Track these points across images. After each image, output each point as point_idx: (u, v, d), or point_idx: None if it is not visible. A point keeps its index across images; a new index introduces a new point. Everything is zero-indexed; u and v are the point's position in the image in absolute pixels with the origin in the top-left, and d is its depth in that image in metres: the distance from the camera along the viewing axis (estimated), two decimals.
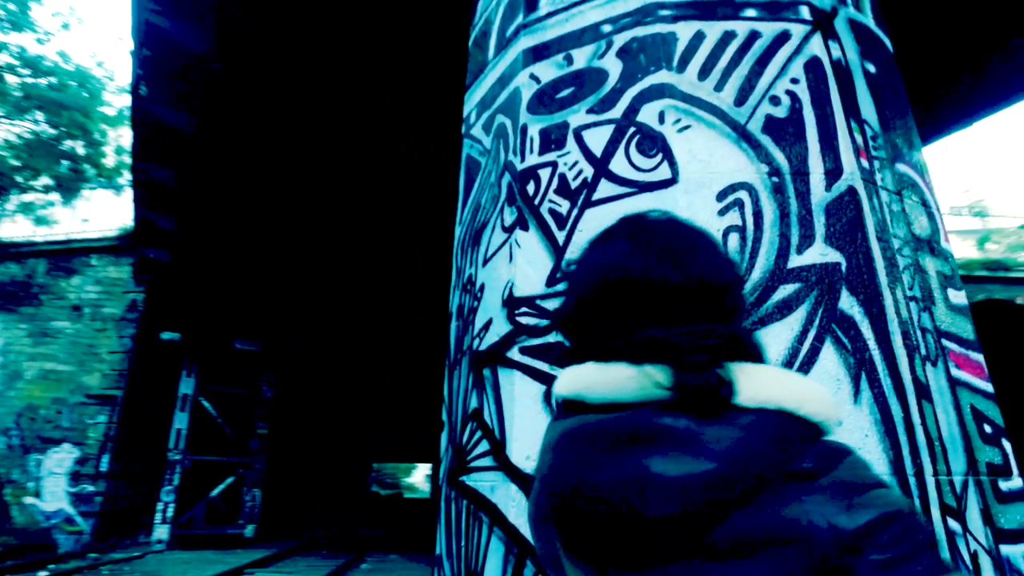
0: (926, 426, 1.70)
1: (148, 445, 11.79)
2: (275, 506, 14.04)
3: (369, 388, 18.91)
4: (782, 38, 2.04)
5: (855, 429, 1.66)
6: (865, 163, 1.97)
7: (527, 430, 1.86)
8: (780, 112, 1.96)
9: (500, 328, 2.06)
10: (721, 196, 1.86)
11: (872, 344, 1.74)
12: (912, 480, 1.65)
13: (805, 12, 2.08)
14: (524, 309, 1.99)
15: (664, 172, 1.90)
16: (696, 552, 0.58)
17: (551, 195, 2.07)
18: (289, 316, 13.38)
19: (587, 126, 2.08)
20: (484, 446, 2.01)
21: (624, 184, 1.95)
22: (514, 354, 1.97)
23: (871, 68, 2.24)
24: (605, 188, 1.97)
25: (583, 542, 0.65)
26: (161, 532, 11.09)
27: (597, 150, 2.03)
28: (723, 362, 0.64)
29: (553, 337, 1.90)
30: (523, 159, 2.18)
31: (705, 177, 1.88)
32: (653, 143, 1.95)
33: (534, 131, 2.19)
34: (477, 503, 1.96)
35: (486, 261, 2.25)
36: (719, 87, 1.99)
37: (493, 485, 1.90)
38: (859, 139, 2.00)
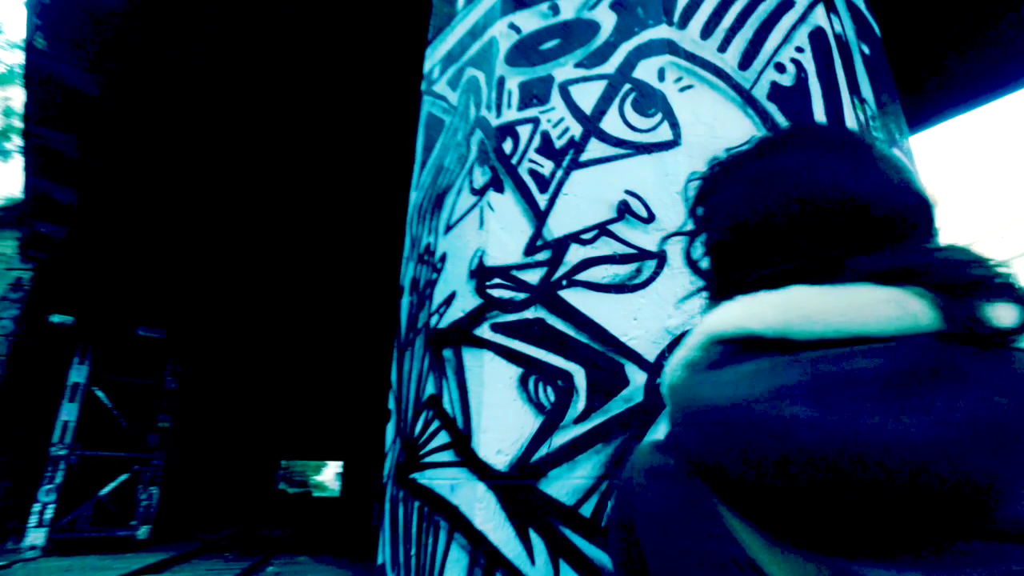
0: None
1: (31, 440, 10.63)
2: (174, 505, 13.04)
3: (280, 382, 18.01)
4: (786, 4, 1.89)
5: None
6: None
7: (499, 420, 1.60)
8: (786, 80, 1.79)
9: (466, 302, 1.79)
10: None
11: None
12: None
13: None
14: (497, 280, 1.73)
15: (664, 133, 1.70)
16: (978, 530, 0.41)
17: (532, 154, 1.82)
18: (199, 303, 12.48)
19: (575, 81, 1.85)
20: (443, 438, 1.73)
21: (618, 144, 1.72)
22: (484, 332, 1.70)
23: (865, 49, 2.13)
24: (596, 148, 1.74)
25: (821, 523, 0.43)
26: (36, 537, 9.97)
27: (587, 107, 1.80)
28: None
29: (532, 312, 1.65)
30: (499, 114, 1.93)
31: (710, 142, 1.69)
32: (651, 102, 1.74)
33: (513, 84, 1.94)
34: (433, 505, 1.68)
35: (449, 228, 1.97)
36: (723, 48, 1.80)
37: (454, 484, 1.63)
38: (861, 117, 1.87)
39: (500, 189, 1.82)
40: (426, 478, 1.74)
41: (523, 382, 1.61)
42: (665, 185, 1.65)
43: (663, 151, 1.68)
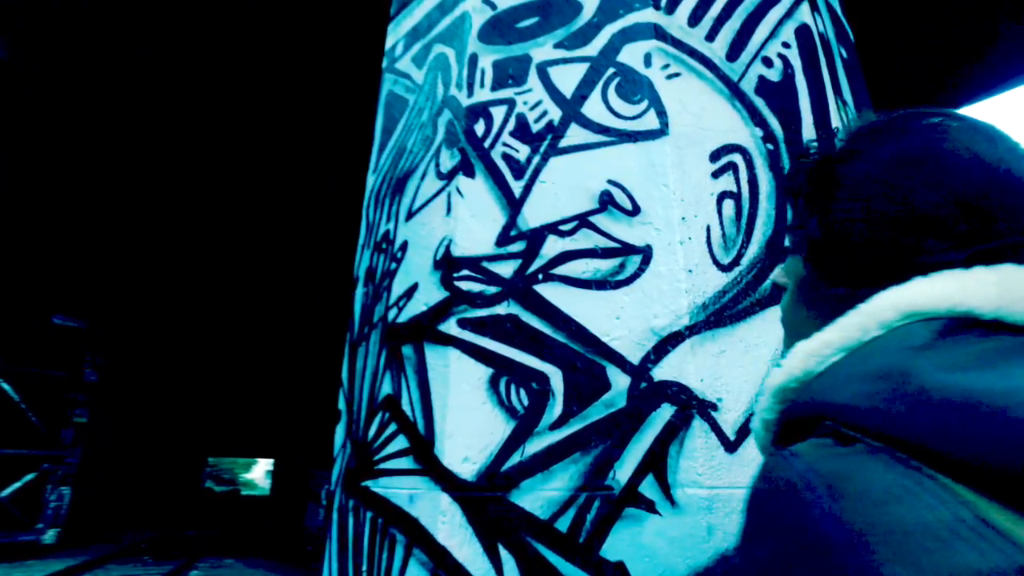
0: None
1: None
2: (89, 506, 12.22)
3: (209, 375, 17.22)
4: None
5: None
6: None
7: (466, 425, 1.45)
8: (773, 75, 1.72)
9: (430, 295, 1.64)
10: (714, 157, 1.58)
11: None
12: None
13: None
14: (466, 272, 1.59)
15: (651, 121, 1.59)
16: None
17: (506, 138, 1.68)
18: (123, 292, 11.74)
19: (554, 62, 1.72)
20: (400, 443, 1.57)
21: (601, 132, 1.61)
22: (450, 327, 1.56)
23: (843, 52, 2.10)
24: (576, 134, 1.62)
25: None
26: None
27: (567, 90, 1.68)
28: None
29: (504, 308, 1.52)
30: (471, 94, 1.78)
31: (697, 133, 1.59)
32: (637, 88, 1.63)
33: (486, 62, 1.80)
34: (388, 516, 1.52)
35: (411, 214, 1.82)
36: (710, 37, 1.72)
37: (414, 494, 1.48)
38: (844, 119, 1.82)
39: (470, 174, 1.68)
40: (381, 486, 1.58)
41: (493, 383, 1.47)
42: (651, 176, 1.55)
43: (649, 140, 1.58)
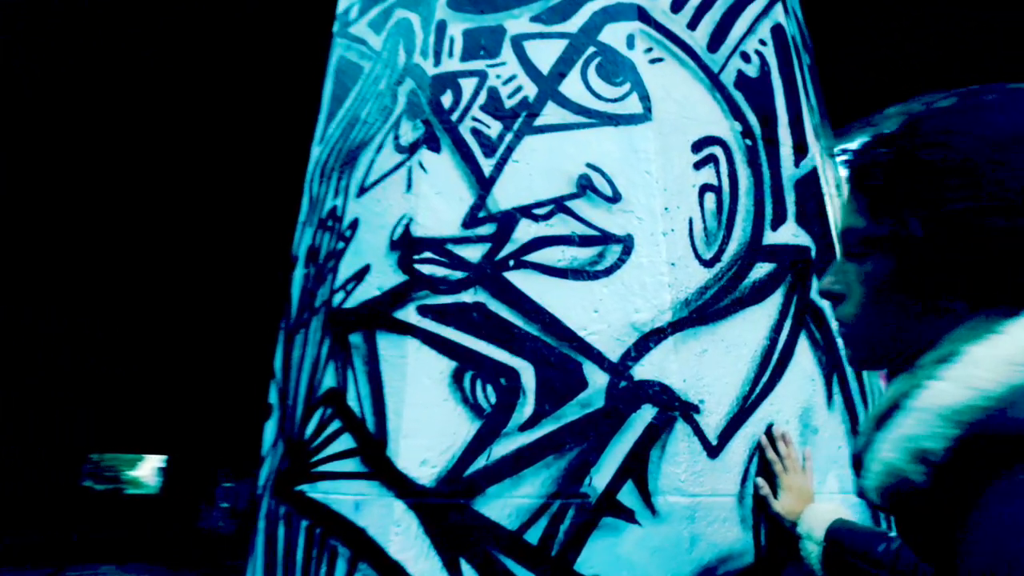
0: None
1: None
2: None
3: (90, 363, 15.88)
4: None
5: (832, 438, 1.39)
6: (817, 146, 1.78)
7: (425, 423, 1.30)
8: (751, 71, 1.68)
9: (385, 278, 1.48)
10: (696, 147, 1.51)
11: (841, 343, 1.50)
12: None
13: None
14: (428, 254, 1.43)
15: (634, 105, 1.50)
16: None
17: (476, 112, 1.54)
18: None
19: (531, 36, 1.60)
20: (346, 442, 1.39)
21: (580, 112, 1.50)
22: (408, 315, 1.40)
23: (807, 59, 2.10)
24: (553, 113, 1.51)
25: None
26: None
27: (543, 66, 1.56)
28: None
29: (471, 295, 1.37)
30: (438, 62, 1.63)
31: (680, 121, 1.52)
32: (619, 69, 1.54)
33: (456, 31, 1.66)
34: (329, 525, 1.34)
35: (364, 190, 1.64)
36: (692, 26, 1.65)
37: (361, 500, 1.30)
38: (814, 121, 1.80)
39: (435, 148, 1.53)
40: (320, 491, 1.39)
41: (457, 378, 1.32)
42: (634, 162, 1.45)
43: (632, 124, 1.48)
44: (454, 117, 1.55)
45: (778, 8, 1.84)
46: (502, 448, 1.26)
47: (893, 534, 1.04)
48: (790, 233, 1.53)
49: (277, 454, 1.59)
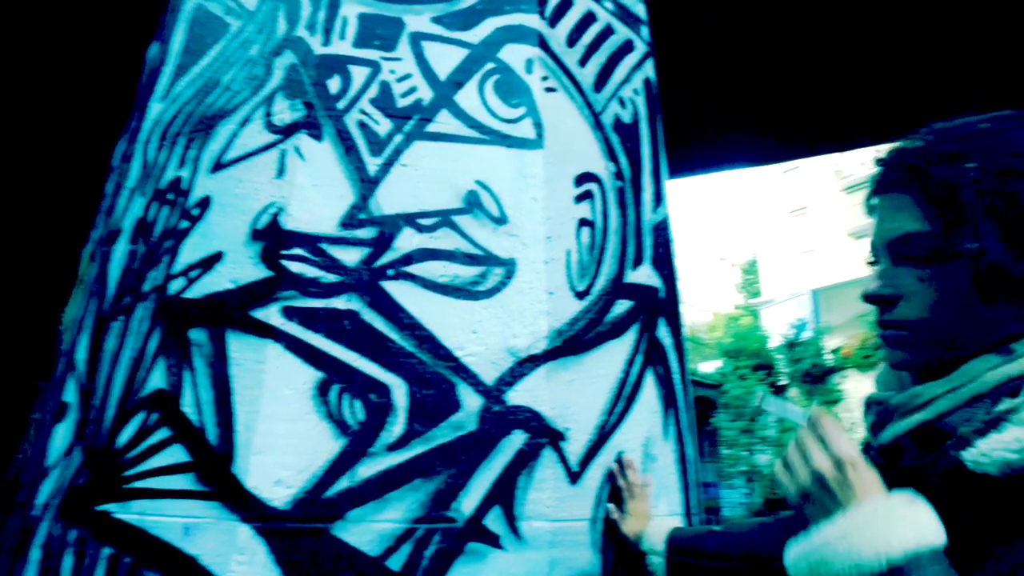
0: (693, 469, 1.69)
1: None
2: None
3: None
4: (629, 46, 1.91)
5: (666, 466, 1.53)
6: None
7: (283, 438, 1.18)
8: (626, 116, 1.79)
9: (242, 271, 1.32)
10: (578, 181, 1.57)
11: (677, 378, 1.66)
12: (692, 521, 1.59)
13: (645, 33, 2.00)
14: (299, 251, 1.31)
15: (528, 130, 1.52)
16: None
17: (365, 104, 1.45)
18: None
19: (431, 37, 1.55)
20: (176, 455, 1.21)
21: (474, 127, 1.48)
22: (270, 316, 1.26)
23: (659, 118, 2.29)
24: (448, 123, 1.47)
25: None
26: None
27: (441, 71, 1.51)
28: None
29: (344, 302, 1.28)
30: (327, 41, 1.50)
31: (567, 153, 1.57)
32: (516, 91, 1.55)
33: (350, 11, 1.54)
34: (144, 554, 1.15)
35: (222, 165, 1.45)
36: (583, 62, 1.72)
37: (193, 524, 1.14)
38: (666, 174, 1.98)
39: (317, 135, 1.40)
40: (134, 512, 1.19)
41: (323, 391, 1.22)
42: (524, 187, 1.46)
43: (524, 148, 1.50)
44: (340, 105, 1.43)
45: (650, 63, 1.99)
46: (368, 469, 1.19)
47: (718, 528, 1.18)
48: (646, 274, 1.66)
49: (71, 465, 1.33)
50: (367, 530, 1.15)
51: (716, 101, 4.92)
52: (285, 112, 1.44)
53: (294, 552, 1.11)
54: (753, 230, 28.54)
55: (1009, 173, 0.62)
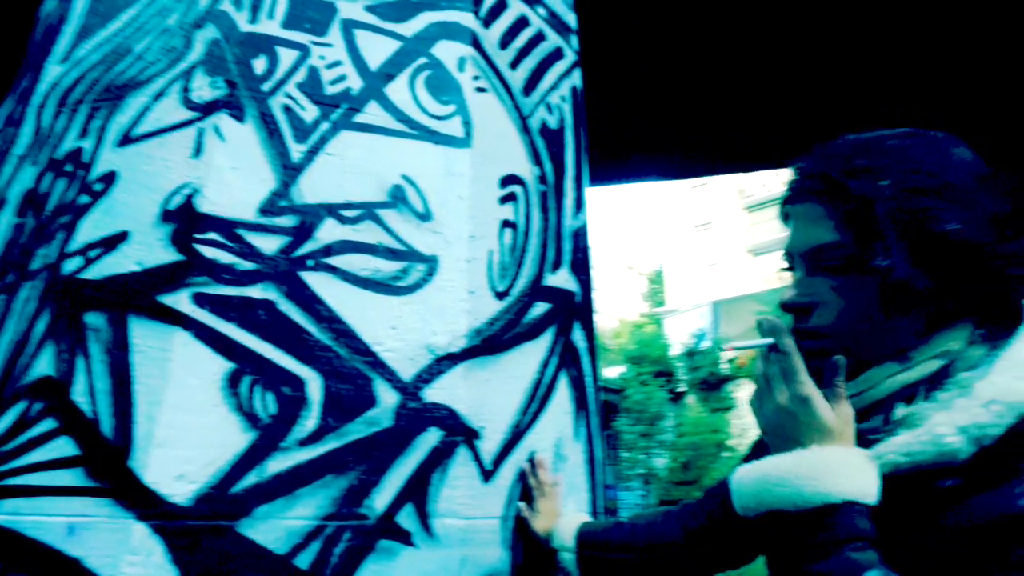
0: (600, 470, 1.75)
1: None
2: None
3: None
4: (559, 53, 1.95)
5: (575, 466, 1.58)
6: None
7: (188, 430, 1.12)
8: (552, 123, 1.83)
9: (150, 253, 1.24)
10: (503, 183, 1.59)
11: (589, 382, 1.72)
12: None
13: (574, 42, 2.05)
14: (214, 236, 1.25)
15: (456, 128, 1.52)
16: None
17: (292, 89, 1.40)
18: None
19: (363, 25, 1.52)
20: (62, 448, 1.13)
21: (403, 120, 1.47)
22: (179, 302, 1.19)
23: (582, 127, 2.36)
24: (377, 115, 1.45)
25: None
26: None
27: (372, 62, 1.49)
28: None
29: (260, 291, 1.23)
30: (255, 19, 1.44)
31: (493, 154, 1.58)
32: (447, 89, 1.55)
33: None
34: (15, 558, 1.06)
35: (131, 140, 1.36)
36: (514, 66, 1.74)
37: (79, 523, 1.06)
38: (587, 182, 2.04)
39: (239, 116, 1.34)
40: (5, 512, 1.10)
41: (233, 382, 1.18)
42: (450, 185, 1.47)
43: (452, 146, 1.50)
44: (265, 87, 1.38)
45: (577, 73, 2.04)
46: (278, 464, 1.15)
47: (624, 520, 1.23)
48: (564, 278, 1.70)
49: None
50: (275, 527, 1.11)
51: (634, 116, 5.10)
52: (205, 89, 1.37)
53: (195, 551, 1.06)
54: (660, 242, 29.76)
55: (917, 191, 0.66)
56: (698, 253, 26.29)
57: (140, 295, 1.21)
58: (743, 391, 17.65)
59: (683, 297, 24.87)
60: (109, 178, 1.33)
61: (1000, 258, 0.65)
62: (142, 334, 1.18)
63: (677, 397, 19.19)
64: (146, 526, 1.05)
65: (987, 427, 0.60)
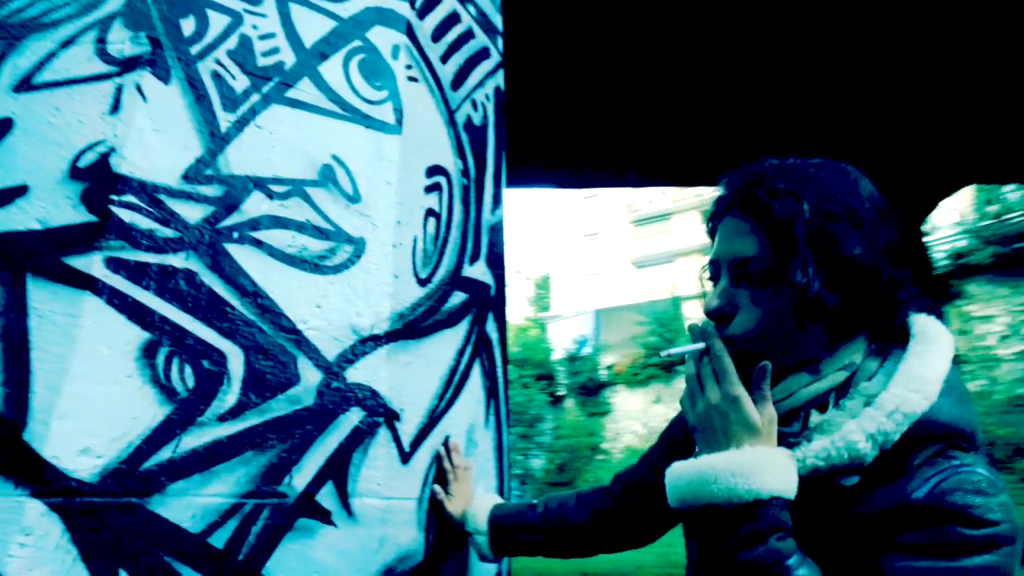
0: (507, 457, 1.82)
1: None
2: None
3: None
4: (485, 52, 2.01)
5: (485, 452, 1.63)
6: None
7: (96, 402, 1.06)
8: (476, 119, 1.88)
9: (56, 212, 1.16)
10: (429, 173, 1.62)
11: (499, 372, 1.78)
12: None
13: (500, 44, 2.11)
14: (133, 199, 1.18)
15: (388, 114, 1.53)
16: None
17: (222, 55, 1.35)
18: None
19: (299, 0, 1.49)
20: None
21: (335, 101, 1.46)
22: (91, 266, 1.12)
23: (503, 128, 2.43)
24: (309, 92, 1.43)
25: None
26: None
27: (307, 39, 1.47)
28: None
29: (182, 260, 1.19)
30: None
31: (421, 143, 1.61)
32: (380, 75, 1.55)
33: None
34: None
35: (32, 86, 1.25)
36: (444, 60, 1.78)
37: None
38: (504, 181, 2.10)
39: (164, 77, 1.28)
40: None
41: (149, 353, 1.12)
42: (379, 169, 1.48)
43: (383, 132, 1.51)
44: (194, 51, 1.33)
45: (501, 73, 2.10)
46: (194, 439, 1.11)
47: (536, 501, 1.30)
48: (481, 271, 1.76)
49: None
50: (189, 505, 1.08)
51: (550, 123, 5.26)
52: (125, 43, 1.29)
53: (100, 530, 1.00)
54: (549, 249, 30.59)
55: (831, 216, 0.74)
56: (584, 262, 27.27)
57: (42, 256, 1.12)
58: (619, 396, 18.52)
59: (567, 303, 25.69)
60: (5, 125, 1.22)
61: (893, 283, 0.75)
62: (43, 297, 1.10)
63: (557, 400, 19.79)
64: (42, 503, 0.98)
65: (890, 434, 0.70)
